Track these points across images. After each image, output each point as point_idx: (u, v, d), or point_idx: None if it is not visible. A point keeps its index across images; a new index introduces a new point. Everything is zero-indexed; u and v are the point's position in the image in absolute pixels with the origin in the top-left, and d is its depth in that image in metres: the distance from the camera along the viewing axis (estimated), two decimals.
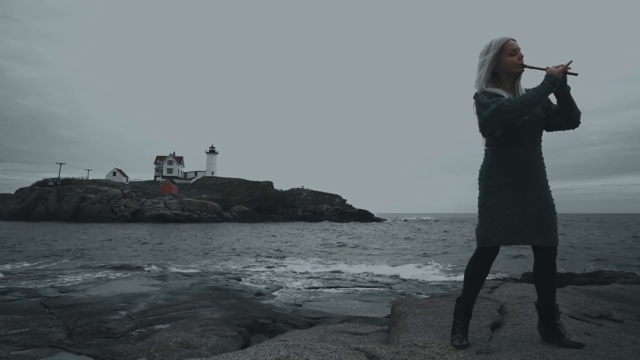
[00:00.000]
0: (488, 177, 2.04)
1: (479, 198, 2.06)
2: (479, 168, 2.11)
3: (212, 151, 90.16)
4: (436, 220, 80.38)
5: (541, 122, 2.02)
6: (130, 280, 9.18)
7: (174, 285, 8.36)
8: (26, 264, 12.48)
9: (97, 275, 10.14)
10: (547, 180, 2.03)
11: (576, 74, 1.88)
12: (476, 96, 2.00)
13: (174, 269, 11.63)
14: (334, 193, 76.83)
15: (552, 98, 2.03)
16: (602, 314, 2.73)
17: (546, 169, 2.07)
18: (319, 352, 1.77)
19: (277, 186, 75.39)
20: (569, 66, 1.87)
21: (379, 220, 72.16)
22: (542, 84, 1.87)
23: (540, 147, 2.05)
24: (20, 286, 8.12)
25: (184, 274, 10.58)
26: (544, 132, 2.09)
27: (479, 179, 2.09)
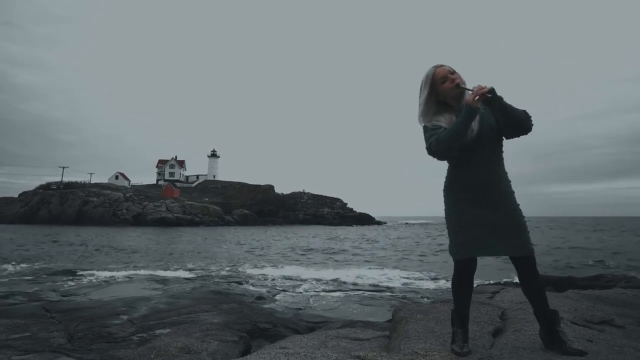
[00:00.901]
0: (448, 192, 2.11)
1: (444, 214, 2.12)
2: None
3: (213, 155, 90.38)
4: (437, 224, 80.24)
5: (493, 136, 2.04)
6: (132, 284, 9.19)
7: (175, 289, 8.37)
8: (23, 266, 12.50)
9: (88, 279, 10.14)
10: (511, 192, 2.05)
11: (490, 96, 1.91)
12: (424, 129, 2.06)
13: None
14: (335, 196, 76.85)
15: None
16: (603, 320, 2.72)
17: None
18: None
19: (278, 190, 75.43)
20: (483, 90, 1.89)
21: (379, 223, 72.13)
22: (462, 114, 1.92)
23: (499, 160, 2.08)
24: (22, 289, 8.13)
25: (186, 278, 10.59)
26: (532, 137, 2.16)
27: (443, 195, 2.14)
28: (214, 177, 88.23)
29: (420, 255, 18.10)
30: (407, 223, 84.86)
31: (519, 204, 2.05)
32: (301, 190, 76.59)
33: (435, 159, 2.06)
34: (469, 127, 1.93)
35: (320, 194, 76.40)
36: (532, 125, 2.04)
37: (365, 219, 72.02)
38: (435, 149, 1.95)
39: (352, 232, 41.35)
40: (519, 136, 2.08)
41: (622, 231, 41.59)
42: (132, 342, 4.16)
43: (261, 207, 67.64)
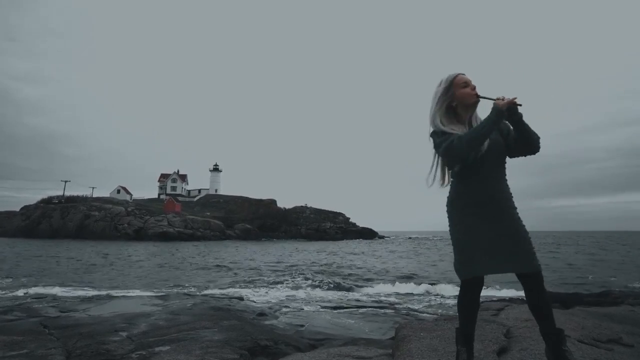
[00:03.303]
0: (452, 207, 2.06)
1: (449, 230, 2.07)
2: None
3: (215, 169, 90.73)
4: (441, 238, 79.78)
5: (500, 151, 2.03)
6: (132, 300, 9.10)
7: (176, 305, 8.27)
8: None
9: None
10: (514, 208, 2.02)
11: (520, 105, 1.92)
12: (432, 135, 2.04)
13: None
14: (338, 211, 76.70)
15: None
16: (611, 338, 2.66)
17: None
18: None
19: (281, 204, 75.50)
20: (514, 98, 1.89)
21: (382, 237, 71.88)
22: (488, 116, 1.90)
23: (503, 175, 2.06)
24: (20, 305, 8.06)
25: (186, 294, 10.49)
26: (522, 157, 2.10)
27: (446, 211, 2.10)
28: (216, 191, 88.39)
29: (422, 271, 17.93)
30: (409, 237, 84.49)
31: (522, 219, 2.02)
32: (303, 205, 76.52)
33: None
34: (493, 131, 1.92)
35: (322, 208, 76.34)
36: (540, 147, 2.04)
37: (368, 234, 71.75)
38: (455, 147, 1.89)
39: (355, 247, 41.10)
40: (525, 155, 2.07)
41: (628, 246, 41.21)
42: None
43: (263, 221, 67.52)
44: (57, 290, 10.81)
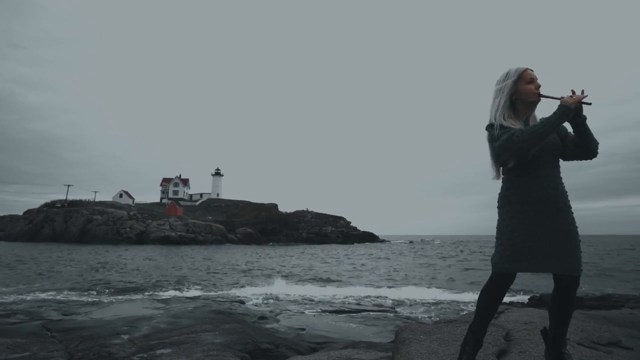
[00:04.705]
0: (504, 204, 2.01)
1: (496, 225, 2.03)
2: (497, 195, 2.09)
3: (217, 173, 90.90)
4: (440, 242, 79.58)
5: (557, 150, 1.99)
6: (134, 303, 9.12)
7: (177, 308, 8.29)
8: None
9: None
10: (569, 208, 1.97)
11: (590, 104, 1.87)
12: (489, 127, 1.98)
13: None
14: (339, 215, 76.66)
15: (569, 127, 2.01)
16: (611, 341, 2.67)
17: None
18: None
19: (282, 208, 75.56)
20: (584, 96, 1.86)
21: (383, 242, 71.83)
22: (554, 113, 1.86)
23: (559, 174, 2.01)
24: (24, 308, 8.08)
25: (187, 297, 10.50)
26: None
27: (497, 206, 2.05)
28: (218, 195, 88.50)
29: (424, 275, 17.89)
30: (411, 241, 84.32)
31: (575, 221, 1.96)
32: (305, 209, 76.48)
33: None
34: (558, 128, 1.86)
35: (323, 212, 76.28)
36: (598, 152, 1.99)
37: (369, 238, 71.71)
38: (517, 140, 1.84)
39: (356, 251, 41.04)
40: (580, 160, 2.03)
41: (629, 250, 41.00)
42: None
43: (264, 225, 67.52)
44: (59, 294, 10.83)
